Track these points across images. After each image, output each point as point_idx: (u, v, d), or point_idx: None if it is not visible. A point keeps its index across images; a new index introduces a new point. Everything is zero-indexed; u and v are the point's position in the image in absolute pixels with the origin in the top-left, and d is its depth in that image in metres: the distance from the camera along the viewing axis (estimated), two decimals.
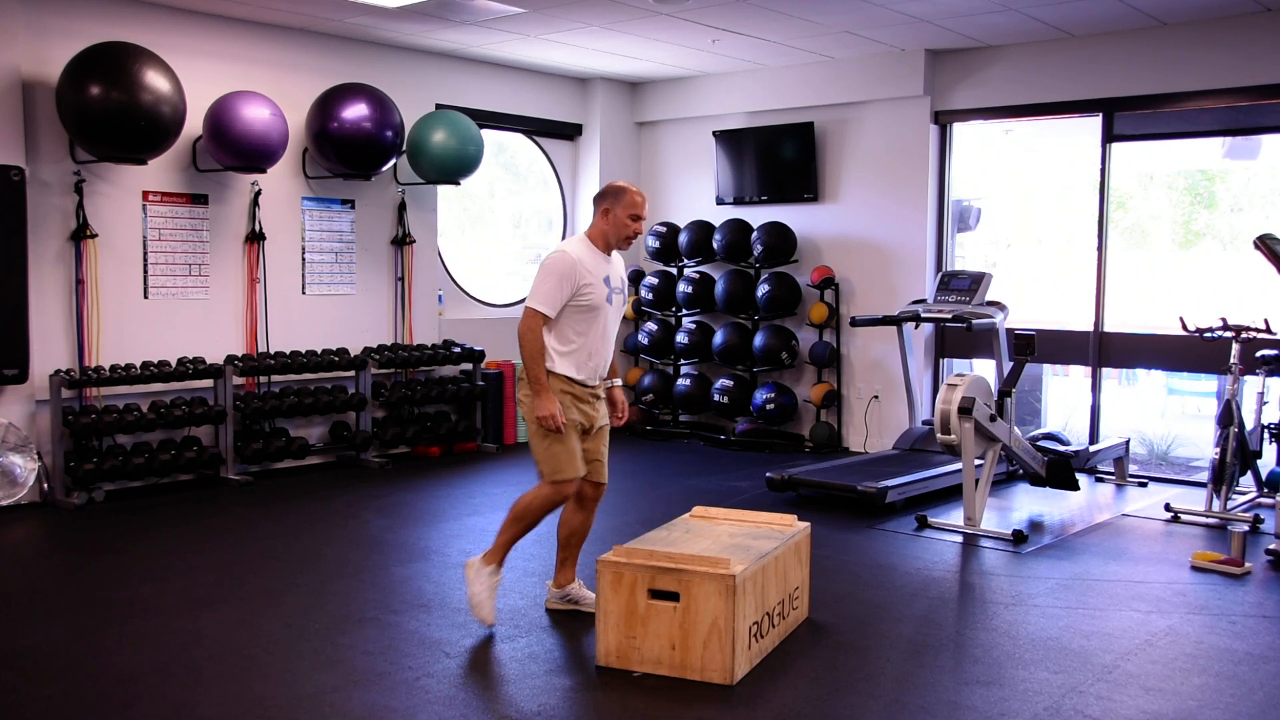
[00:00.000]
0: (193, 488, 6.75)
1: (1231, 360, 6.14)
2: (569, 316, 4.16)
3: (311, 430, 7.56)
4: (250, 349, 7.25)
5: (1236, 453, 6.05)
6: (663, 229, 9.05)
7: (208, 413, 6.73)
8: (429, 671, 3.81)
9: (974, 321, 7.01)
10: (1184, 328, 6.33)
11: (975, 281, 7.38)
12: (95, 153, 6.21)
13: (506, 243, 9.75)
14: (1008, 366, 6.88)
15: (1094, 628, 4.35)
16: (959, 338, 7.95)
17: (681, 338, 8.85)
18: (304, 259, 7.55)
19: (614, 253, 4.34)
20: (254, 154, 6.71)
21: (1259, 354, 6.23)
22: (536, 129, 9.09)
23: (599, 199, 4.28)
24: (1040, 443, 6.70)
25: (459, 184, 7.91)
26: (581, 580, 4.52)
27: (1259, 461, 6.33)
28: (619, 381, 4.53)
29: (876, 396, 8.35)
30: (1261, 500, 6.31)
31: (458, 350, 8.08)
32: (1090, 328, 7.56)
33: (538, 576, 4.96)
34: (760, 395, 8.42)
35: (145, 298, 6.78)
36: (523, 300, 9.02)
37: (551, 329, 4.16)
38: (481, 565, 4.25)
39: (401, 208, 8.03)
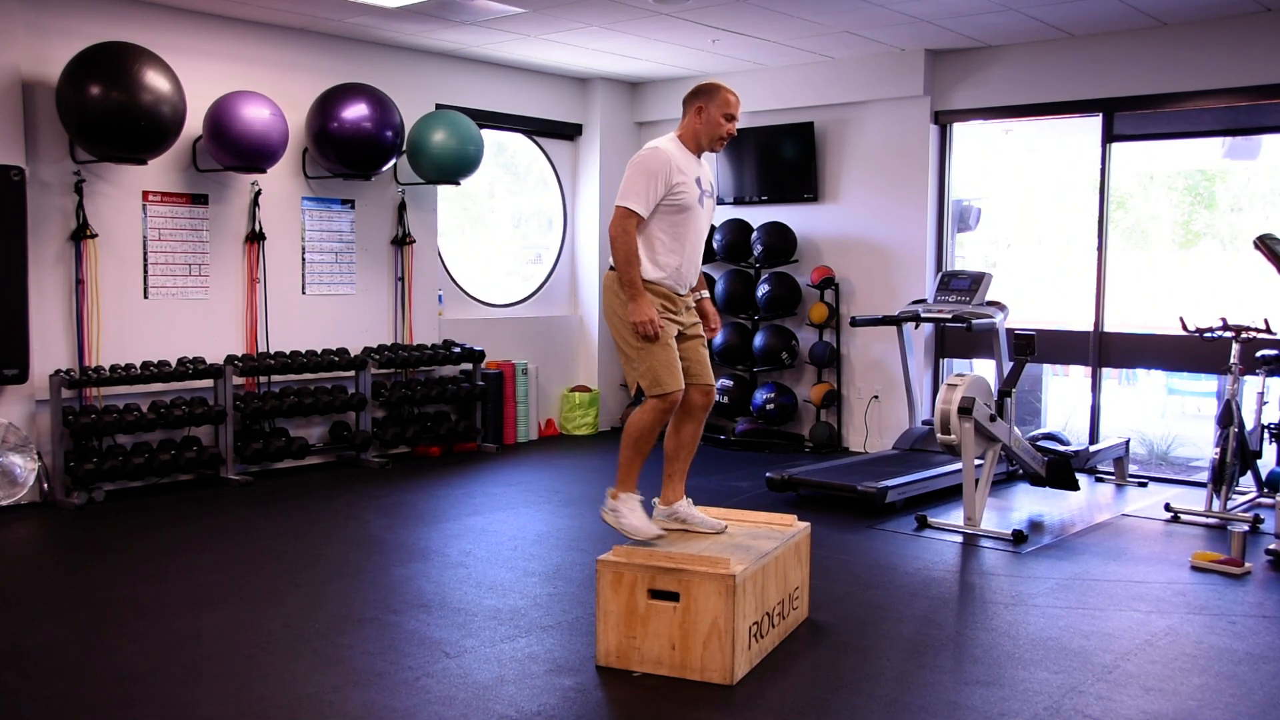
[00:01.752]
0: (193, 488, 6.75)
1: (1231, 360, 6.14)
2: (659, 218, 3.96)
3: (311, 430, 7.56)
4: (250, 349, 7.25)
5: (1236, 453, 6.05)
6: None
7: (208, 413, 6.73)
8: (429, 671, 3.81)
9: (974, 321, 7.01)
10: (1184, 328, 6.33)
11: (975, 281, 7.38)
12: (95, 153, 6.21)
13: (506, 243, 9.75)
14: (1008, 366, 6.88)
15: (1094, 628, 4.35)
16: (959, 338, 7.95)
17: None
18: (304, 259, 7.55)
19: (703, 156, 4.19)
20: (254, 154, 6.71)
21: (1259, 354, 6.23)
22: (536, 129, 9.09)
23: (691, 98, 4.12)
24: (1040, 443, 6.70)
25: (459, 184, 7.91)
26: (691, 498, 4.32)
27: (1259, 461, 6.33)
28: (706, 293, 4.36)
29: (876, 396, 8.35)
30: (1261, 500, 6.31)
31: (458, 350, 8.07)
32: (1090, 328, 7.56)
33: (539, 576, 4.96)
34: (760, 395, 8.42)
35: (145, 298, 6.78)
36: (523, 300, 9.17)
37: (641, 231, 3.95)
38: (618, 499, 4.05)
39: (401, 208, 8.03)
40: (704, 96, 4.10)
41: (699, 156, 4.15)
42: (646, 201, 3.93)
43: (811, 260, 8.57)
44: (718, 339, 8.63)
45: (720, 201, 8.98)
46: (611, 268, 4.04)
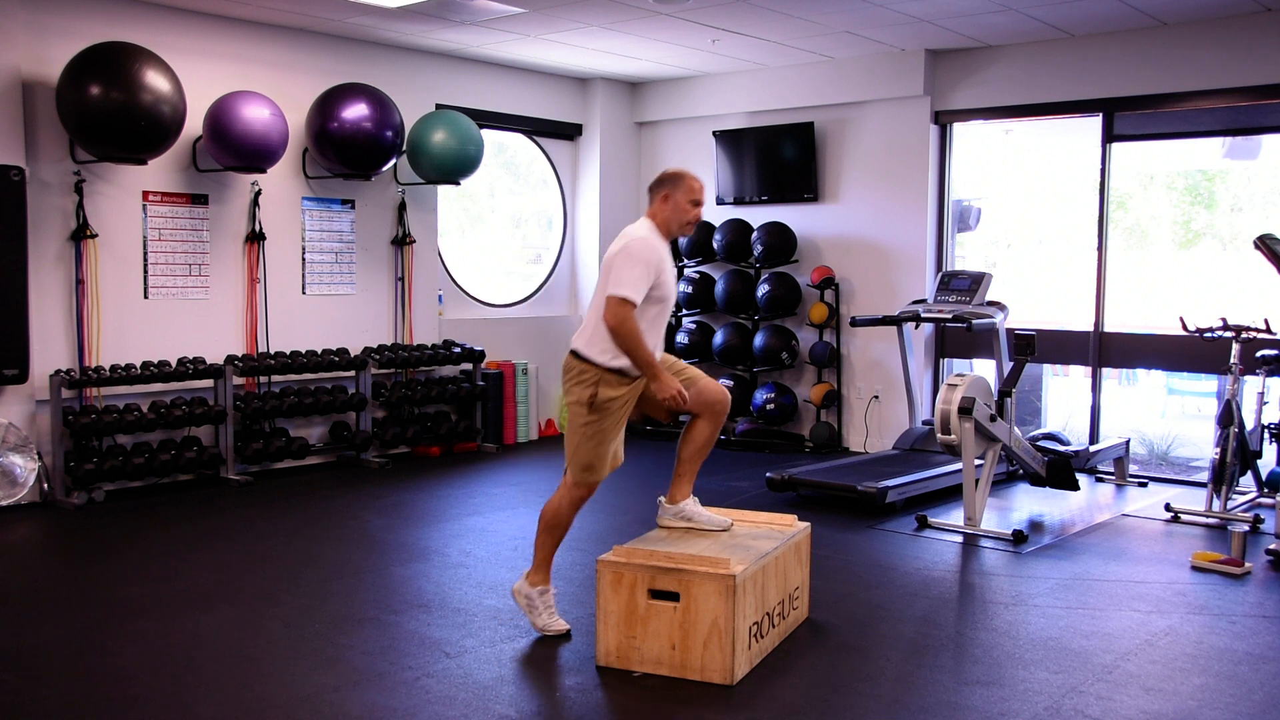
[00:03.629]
0: (193, 488, 6.75)
1: (1231, 360, 6.14)
2: (639, 310, 3.97)
3: (311, 430, 7.56)
4: (250, 349, 7.25)
5: (1236, 453, 6.05)
6: None
7: (208, 413, 6.73)
8: (429, 671, 3.81)
9: (974, 321, 7.01)
10: (1184, 328, 6.33)
11: (975, 281, 7.38)
12: (95, 153, 6.21)
13: (506, 243, 9.75)
14: (1008, 366, 6.88)
15: (1094, 628, 4.35)
16: (959, 338, 7.95)
17: (682, 338, 8.85)
18: (304, 259, 7.55)
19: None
20: (254, 154, 6.71)
21: (1259, 354, 6.23)
22: (536, 129, 9.09)
23: (656, 186, 4.15)
24: (1040, 443, 6.70)
25: (459, 184, 7.91)
26: (696, 497, 4.31)
27: (1259, 461, 6.33)
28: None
29: (876, 396, 8.35)
30: (1261, 500, 6.31)
31: (458, 350, 8.07)
32: (1090, 328, 7.56)
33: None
34: (760, 395, 8.42)
35: (145, 298, 6.78)
36: (523, 300, 9.16)
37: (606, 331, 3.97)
38: (529, 588, 4.16)
39: (401, 208, 8.03)
40: (669, 184, 4.13)
41: (668, 243, 4.19)
42: (640, 292, 3.93)
43: (811, 260, 8.57)
44: (718, 339, 8.64)
45: (720, 201, 9.00)
46: (572, 351, 4.07)
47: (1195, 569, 5.18)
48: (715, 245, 8.66)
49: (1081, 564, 5.29)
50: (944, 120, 8.07)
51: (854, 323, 7.78)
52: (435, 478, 7.29)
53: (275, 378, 7.29)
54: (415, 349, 7.91)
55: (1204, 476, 6.42)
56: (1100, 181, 7.47)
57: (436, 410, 8.12)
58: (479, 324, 8.65)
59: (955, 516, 6.02)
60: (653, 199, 4.18)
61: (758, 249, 8.43)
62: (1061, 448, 6.75)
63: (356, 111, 7.14)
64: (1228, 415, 6.00)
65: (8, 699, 3.56)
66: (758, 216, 8.71)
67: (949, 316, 7.17)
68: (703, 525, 4.23)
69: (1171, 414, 9.07)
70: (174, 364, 6.71)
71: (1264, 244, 5.89)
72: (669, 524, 4.25)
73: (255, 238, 7.23)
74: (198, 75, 6.75)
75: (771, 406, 8.34)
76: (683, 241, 8.85)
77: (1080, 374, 7.88)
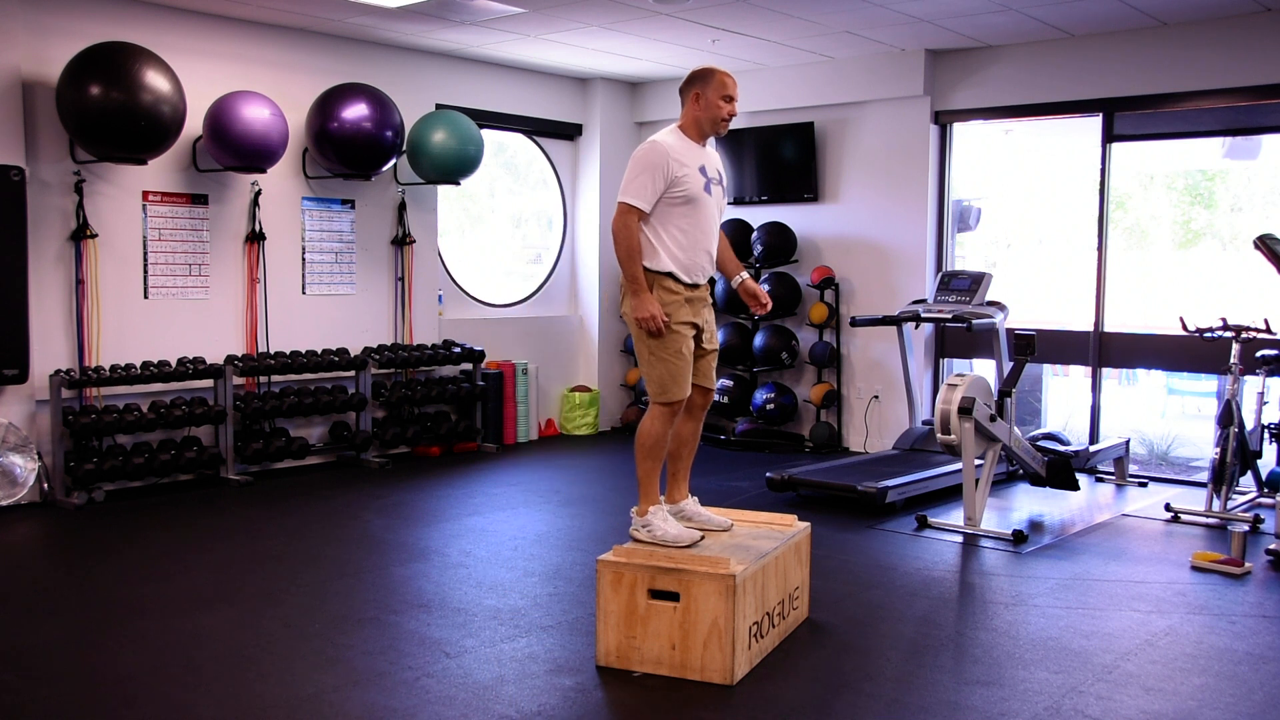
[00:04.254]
0: (193, 488, 6.75)
1: (1231, 360, 6.14)
2: (667, 212, 3.94)
3: (311, 430, 7.56)
4: (250, 349, 7.25)
5: (1236, 453, 6.05)
6: None
7: (208, 413, 6.73)
8: (429, 671, 3.81)
9: (974, 321, 7.01)
10: (1184, 328, 6.33)
11: (975, 281, 7.38)
12: (95, 153, 6.21)
13: (506, 243, 9.75)
14: (1008, 366, 6.88)
15: (1094, 628, 4.35)
16: (959, 338, 7.95)
17: None
18: (304, 259, 7.55)
19: (709, 143, 4.17)
20: (254, 154, 6.71)
21: (1259, 354, 6.23)
22: (536, 129, 9.09)
23: (687, 85, 4.09)
24: (1040, 443, 6.70)
25: (459, 184, 7.91)
26: (696, 496, 4.32)
27: (1259, 461, 6.33)
28: (746, 274, 4.32)
29: (876, 396, 8.35)
30: (1261, 500, 6.31)
31: (458, 350, 8.07)
32: (1090, 328, 7.56)
33: (539, 576, 4.96)
34: (760, 395, 8.42)
35: (145, 298, 6.78)
36: (523, 300, 9.16)
37: (650, 226, 3.93)
38: (647, 514, 4.01)
39: (401, 208, 8.03)
40: (700, 82, 4.06)
41: (703, 144, 4.12)
42: (647, 196, 3.90)
43: (811, 260, 8.57)
44: (718, 339, 8.62)
45: None
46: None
47: (1195, 569, 5.18)
48: None
49: (1081, 564, 5.29)
50: (944, 120, 8.06)
51: (854, 323, 7.78)
52: (435, 478, 7.29)
53: (275, 378, 7.29)
54: (415, 349, 7.91)
55: (1204, 476, 6.42)
56: (1100, 181, 7.47)
57: (436, 410, 8.12)
58: (479, 324, 8.65)
59: (955, 516, 6.02)
60: (684, 100, 4.10)
61: (758, 249, 8.43)
62: (1061, 448, 6.75)
63: (356, 111, 7.14)
64: (1228, 415, 6.00)
65: (8, 699, 3.56)
66: (758, 216, 8.71)
67: (949, 316, 7.17)
68: (705, 525, 4.19)
69: (1171, 414, 9.07)
70: (174, 364, 6.71)
71: (1264, 244, 5.89)
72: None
73: (255, 238, 7.23)
74: (198, 75, 6.75)
75: (771, 406, 8.34)
76: None
77: (1080, 374, 7.88)
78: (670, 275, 3.96)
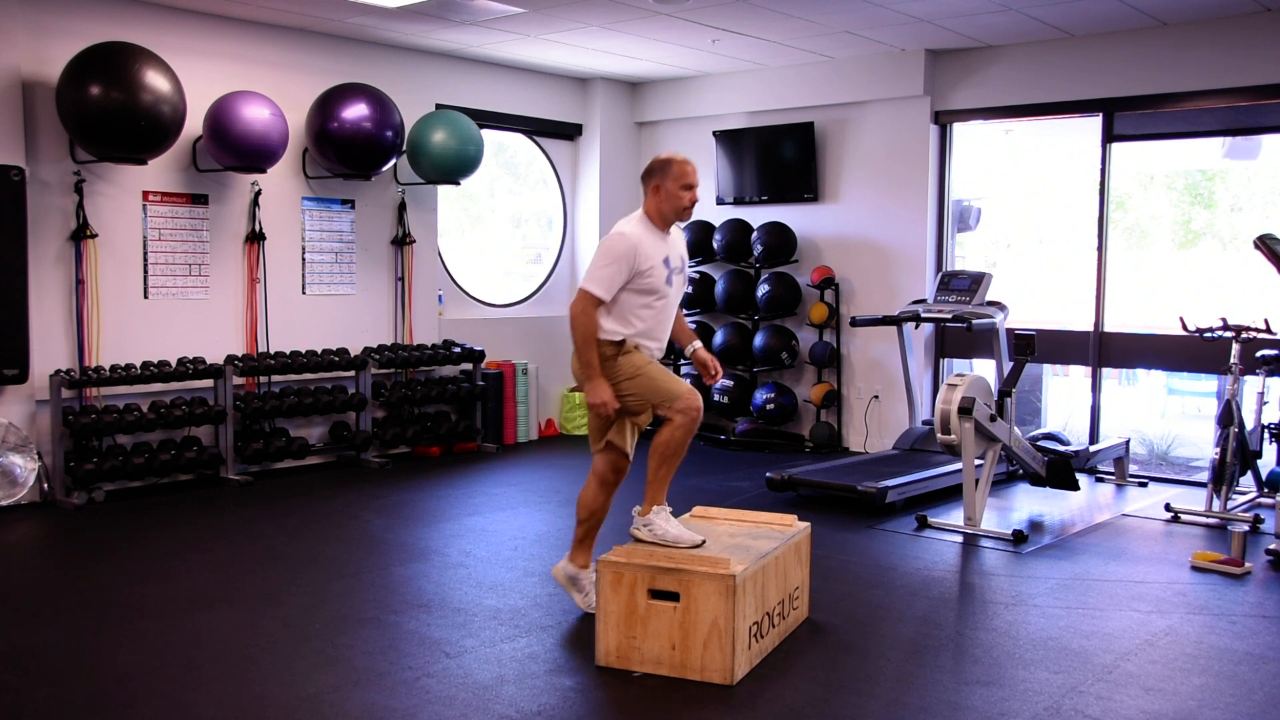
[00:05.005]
0: (193, 488, 6.75)
1: (1231, 360, 6.14)
2: (629, 299, 4.04)
3: (311, 430, 7.56)
4: (250, 349, 7.25)
5: (1236, 453, 6.05)
6: None
7: (208, 413, 6.73)
8: (429, 671, 3.81)
9: (974, 321, 7.01)
10: (1184, 328, 6.33)
11: (975, 281, 7.38)
12: (95, 153, 6.21)
13: (506, 243, 9.75)
14: (1008, 366, 6.88)
15: (1094, 628, 4.35)
16: (959, 338, 7.95)
17: None
18: (304, 259, 7.55)
19: (674, 229, 4.24)
20: (254, 154, 6.71)
21: (1259, 354, 6.23)
22: (536, 129, 9.09)
23: (647, 176, 4.17)
24: (1040, 443, 6.70)
25: (459, 184, 7.91)
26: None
27: (1259, 461, 6.33)
28: (698, 343, 4.41)
29: (876, 396, 8.35)
30: (1261, 500, 6.31)
31: (458, 350, 8.07)
32: (1090, 328, 7.56)
33: (539, 576, 4.96)
34: (760, 395, 8.42)
35: (145, 298, 6.78)
36: (523, 300, 9.16)
37: (610, 311, 4.04)
38: (650, 514, 4.05)
39: (401, 208, 8.03)
40: (658, 174, 4.14)
41: (667, 232, 4.19)
42: (609, 287, 3.99)
43: (811, 260, 8.57)
44: (718, 339, 8.64)
45: (720, 201, 9.00)
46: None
47: (1195, 569, 5.18)
48: (715, 245, 8.66)
49: (1081, 564, 5.29)
50: (944, 120, 8.07)
51: (854, 323, 7.78)
52: (435, 478, 7.29)
53: (275, 378, 7.29)
54: (415, 349, 7.91)
55: (1204, 476, 6.42)
56: (1100, 181, 7.47)
57: (436, 410, 8.12)
58: (479, 324, 8.65)
59: (955, 516, 6.02)
60: (645, 189, 4.19)
61: (758, 249, 8.43)
62: (1061, 448, 6.75)
63: (356, 111, 7.14)
64: (1228, 415, 6.00)
65: (8, 699, 3.56)
66: (758, 216, 8.71)
67: (949, 316, 7.17)
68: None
69: (1171, 414, 9.07)
70: (174, 364, 6.71)
71: (1264, 244, 5.89)
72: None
73: (255, 238, 7.23)
74: (198, 75, 6.75)
75: (771, 406, 8.34)
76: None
77: (1080, 374, 7.89)
78: (631, 338, 4.08)
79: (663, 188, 4.12)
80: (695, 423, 4.06)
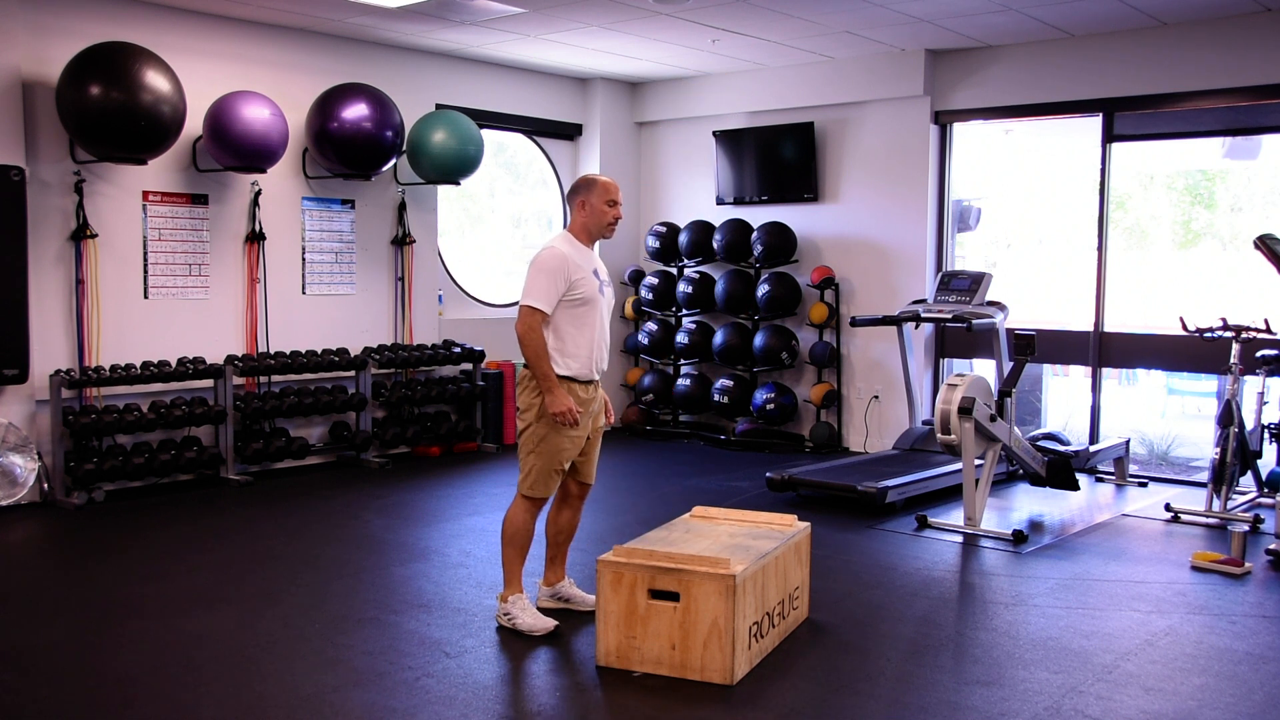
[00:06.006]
0: (193, 488, 6.75)
1: (1231, 360, 6.14)
2: (564, 313, 4.16)
3: (311, 430, 7.56)
4: (250, 349, 7.25)
5: (1236, 453, 6.05)
6: (663, 229, 9.05)
7: (208, 413, 6.73)
8: (429, 671, 3.81)
9: (974, 321, 7.01)
10: (1184, 328, 6.33)
11: (975, 281, 7.38)
12: (95, 153, 6.21)
13: (506, 243, 9.75)
14: (1008, 366, 6.88)
15: (1094, 628, 4.35)
16: (959, 338, 7.95)
17: (681, 338, 8.86)
18: (304, 259, 7.55)
19: (595, 246, 4.39)
20: (254, 154, 6.71)
21: (1259, 354, 6.23)
22: (536, 129, 9.09)
23: (572, 194, 4.32)
24: (1040, 443, 6.70)
25: (459, 184, 7.91)
26: (573, 579, 4.54)
27: (1259, 461, 6.33)
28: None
29: (876, 396, 8.35)
30: (1261, 500, 6.31)
31: (458, 350, 8.08)
32: (1090, 328, 7.56)
33: (539, 576, 4.95)
34: (760, 395, 8.42)
35: (145, 298, 6.78)
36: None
37: (547, 327, 4.16)
38: (508, 601, 4.23)
39: (401, 208, 8.03)
40: (583, 191, 4.29)
41: (591, 247, 4.34)
42: (550, 299, 4.10)
43: (811, 260, 8.57)
44: (718, 339, 8.64)
45: (720, 201, 9.00)
46: (525, 365, 4.21)
47: (1195, 569, 5.18)
48: (715, 245, 8.66)
49: (1081, 564, 5.29)
50: (944, 120, 8.07)
51: (854, 323, 7.78)
52: (435, 478, 7.29)
53: (275, 378, 7.29)
54: (415, 349, 7.91)
55: (1204, 476, 6.42)
56: (1100, 181, 7.47)
57: (436, 410, 8.12)
58: (479, 324, 8.65)
59: (955, 516, 6.02)
60: (571, 207, 4.34)
61: (758, 249, 8.43)
62: (1061, 448, 6.75)
63: (356, 111, 7.14)
64: (1228, 415, 6.00)
65: (8, 699, 3.56)
66: (758, 216, 8.71)
67: (949, 316, 7.17)
68: (579, 606, 4.40)
69: (1171, 414, 9.07)
70: (174, 364, 6.71)
71: (1264, 244, 5.89)
72: (546, 605, 4.44)
73: (255, 238, 7.23)
74: (198, 75, 6.75)
75: (771, 406, 8.34)
76: (683, 241, 8.85)
77: (1080, 374, 7.89)
78: (570, 379, 4.19)
79: (589, 203, 4.26)
80: (538, 511, 4.25)
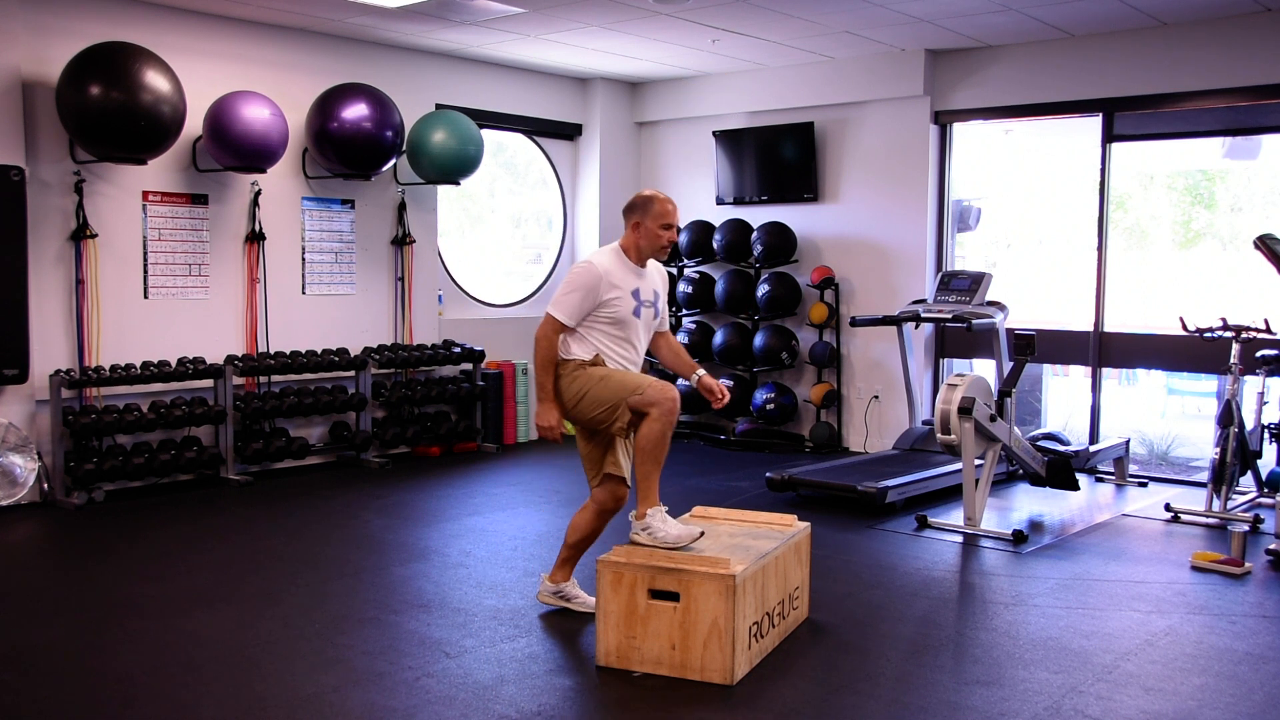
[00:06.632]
0: (193, 488, 6.75)
1: (1231, 360, 6.14)
2: (594, 327, 4.12)
3: (311, 430, 7.56)
4: (250, 349, 7.25)
5: (1236, 453, 6.05)
6: None
7: (208, 413, 6.73)
8: (429, 671, 3.81)
9: (974, 321, 7.01)
10: (1184, 328, 6.33)
11: (975, 281, 7.38)
12: (95, 153, 6.21)
13: (506, 243, 9.75)
14: (1008, 366, 6.88)
15: (1094, 628, 4.35)
16: (959, 338, 7.95)
17: (681, 338, 8.86)
18: (304, 259, 7.55)
19: (651, 263, 4.27)
20: (254, 154, 6.71)
21: (1259, 354, 6.23)
22: (536, 129, 9.09)
23: (628, 211, 4.21)
24: (1040, 443, 6.70)
25: (459, 184, 7.91)
26: (576, 580, 4.51)
27: (1259, 461, 6.33)
28: (701, 370, 4.37)
29: (876, 396, 8.35)
30: (1261, 500, 6.31)
31: (458, 350, 8.07)
32: (1090, 328, 7.56)
33: (539, 576, 4.95)
34: (760, 395, 8.42)
35: (145, 298, 6.78)
36: (523, 300, 9.16)
37: (580, 339, 4.12)
38: (646, 516, 3.99)
39: (401, 208, 8.03)
40: (639, 211, 4.17)
41: (642, 266, 4.22)
42: (574, 314, 4.07)
43: (811, 260, 8.57)
44: (718, 339, 8.64)
45: (720, 201, 9.00)
46: (563, 358, 4.14)
47: (1195, 569, 5.18)
48: (715, 245, 8.66)
49: (1081, 564, 5.29)
50: (944, 120, 8.06)
51: (854, 323, 7.78)
52: (435, 478, 7.29)
53: (275, 378, 7.29)
54: (415, 349, 7.91)
55: (1204, 476, 6.42)
56: (1100, 181, 7.47)
57: (436, 410, 8.12)
58: (479, 324, 8.65)
59: (955, 516, 6.02)
60: (626, 224, 4.23)
61: (758, 249, 8.43)
62: (1061, 448, 6.75)
63: (356, 111, 7.14)
64: (1228, 415, 6.00)
65: (8, 699, 3.56)
66: (758, 216, 8.71)
67: (949, 316, 7.17)
68: (579, 608, 4.36)
69: (1171, 414, 9.07)
70: (174, 364, 6.71)
71: (1264, 244, 5.89)
72: (546, 601, 4.47)
73: (255, 238, 7.23)
74: (198, 75, 6.75)
75: (771, 406, 8.34)
76: (682, 241, 8.85)
77: (1080, 374, 7.89)
78: (597, 359, 4.14)
79: (643, 225, 4.17)
80: (672, 413, 4.00)
